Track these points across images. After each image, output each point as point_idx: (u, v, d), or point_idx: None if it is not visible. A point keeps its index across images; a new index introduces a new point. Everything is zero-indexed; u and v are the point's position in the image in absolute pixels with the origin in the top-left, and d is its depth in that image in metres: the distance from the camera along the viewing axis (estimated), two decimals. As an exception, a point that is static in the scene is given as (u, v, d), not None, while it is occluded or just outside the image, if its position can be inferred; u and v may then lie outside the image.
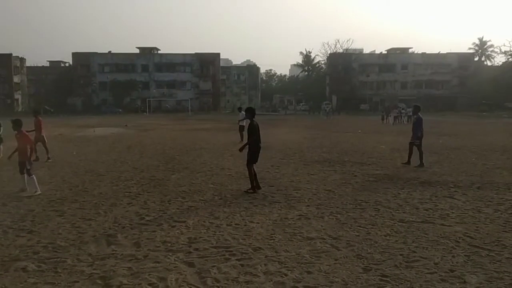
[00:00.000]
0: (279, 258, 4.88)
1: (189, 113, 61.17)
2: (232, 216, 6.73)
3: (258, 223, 6.33)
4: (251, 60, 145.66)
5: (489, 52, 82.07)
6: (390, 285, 4.19)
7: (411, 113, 37.27)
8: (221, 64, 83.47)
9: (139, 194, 8.39)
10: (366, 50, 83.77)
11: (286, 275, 4.43)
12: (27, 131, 9.20)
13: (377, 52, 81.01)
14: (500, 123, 35.70)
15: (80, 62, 74.25)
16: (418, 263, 4.72)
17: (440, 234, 5.75)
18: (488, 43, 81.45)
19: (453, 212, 6.91)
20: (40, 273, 4.48)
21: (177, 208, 7.23)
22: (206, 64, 76.09)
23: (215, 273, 4.47)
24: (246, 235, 5.76)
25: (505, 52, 76.40)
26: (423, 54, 77.81)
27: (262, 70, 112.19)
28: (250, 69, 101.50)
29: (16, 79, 73.79)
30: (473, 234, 5.75)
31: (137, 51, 77.09)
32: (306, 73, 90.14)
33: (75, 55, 75.46)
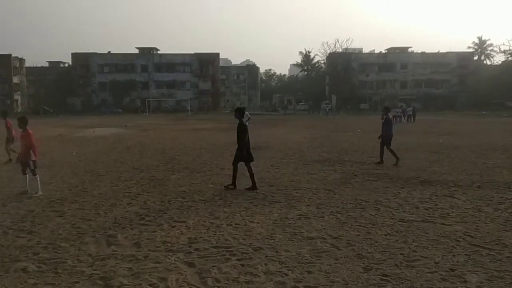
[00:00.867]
0: (279, 258, 4.87)
1: (188, 113, 61.20)
2: (232, 216, 6.72)
3: (258, 223, 6.32)
4: (250, 60, 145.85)
5: (488, 51, 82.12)
6: (390, 284, 4.19)
7: (410, 113, 37.64)
8: (221, 64, 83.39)
9: (139, 194, 8.38)
10: (366, 50, 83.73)
11: (286, 275, 4.42)
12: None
13: (377, 51, 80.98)
14: (500, 122, 35.71)
15: (80, 62, 74.29)
16: (418, 263, 4.72)
17: (441, 233, 5.75)
18: (488, 42, 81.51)
19: (453, 211, 6.91)
20: (40, 274, 4.47)
21: (177, 208, 7.22)
22: (206, 64, 76.09)
23: (215, 273, 4.47)
24: (246, 235, 5.76)
25: (504, 51, 76.41)
26: (423, 53, 77.81)
27: (262, 70, 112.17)
28: (250, 68, 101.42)
29: (15, 79, 73.75)
30: (474, 233, 5.74)
31: (137, 51, 77.07)
32: (306, 72, 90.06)
33: (74, 55, 75.52)
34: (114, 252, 5.10)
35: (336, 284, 4.21)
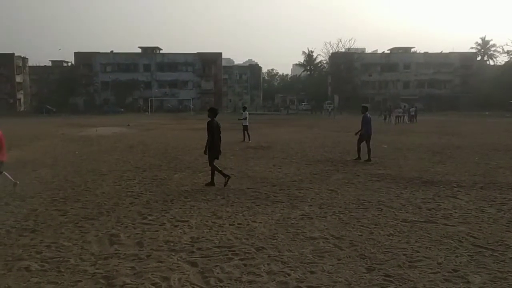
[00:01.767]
0: (282, 258, 4.87)
1: (191, 113, 61.20)
2: (234, 215, 6.72)
3: (260, 222, 6.32)
4: (253, 59, 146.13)
5: (491, 52, 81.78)
6: (393, 285, 4.18)
7: (413, 113, 37.59)
8: (223, 64, 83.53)
9: (142, 193, 8.39)
10: (368, 50, 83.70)
11: (289, 275, 4.42)
12: None
13: (379, 51, 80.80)
14: (503, 122, 35.58)
15: (82, 61, 74.37)
16: (421, 263, 4.71)
17: (443, 234, 5.73)
18: (491, 43, 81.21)
19: (456, 212, 6.90)
20: (43, 273, 4.48)
21: (180, 208, 7.22)
22: (208, 63, 76.11)
23: (218, 273, 4.47)
24: (248, 234, 5.76)
25: (507, 52, 76.00)
26: (426, 53, 77.55)
27: (264, 70, 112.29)
28: (252, 68, 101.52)
29: (18, 78, 73.90)
30: (477, 234, 5.73)
31: (139, 50, 77.15)
32: (308, 72, 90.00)
33: (77, 54, 75.60)
34: (116, 251, 5.11)
35: (339, 284, 4.20)
